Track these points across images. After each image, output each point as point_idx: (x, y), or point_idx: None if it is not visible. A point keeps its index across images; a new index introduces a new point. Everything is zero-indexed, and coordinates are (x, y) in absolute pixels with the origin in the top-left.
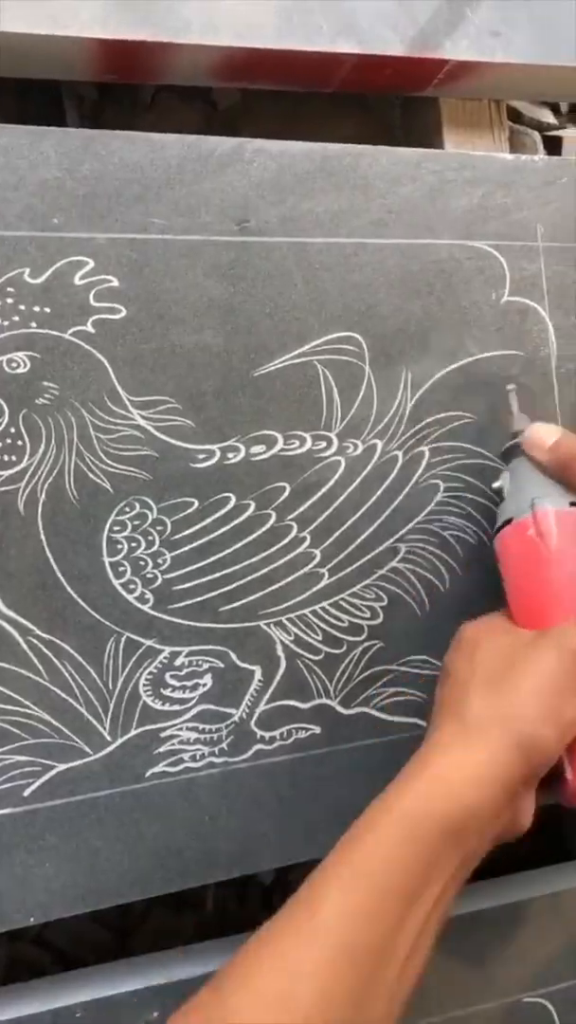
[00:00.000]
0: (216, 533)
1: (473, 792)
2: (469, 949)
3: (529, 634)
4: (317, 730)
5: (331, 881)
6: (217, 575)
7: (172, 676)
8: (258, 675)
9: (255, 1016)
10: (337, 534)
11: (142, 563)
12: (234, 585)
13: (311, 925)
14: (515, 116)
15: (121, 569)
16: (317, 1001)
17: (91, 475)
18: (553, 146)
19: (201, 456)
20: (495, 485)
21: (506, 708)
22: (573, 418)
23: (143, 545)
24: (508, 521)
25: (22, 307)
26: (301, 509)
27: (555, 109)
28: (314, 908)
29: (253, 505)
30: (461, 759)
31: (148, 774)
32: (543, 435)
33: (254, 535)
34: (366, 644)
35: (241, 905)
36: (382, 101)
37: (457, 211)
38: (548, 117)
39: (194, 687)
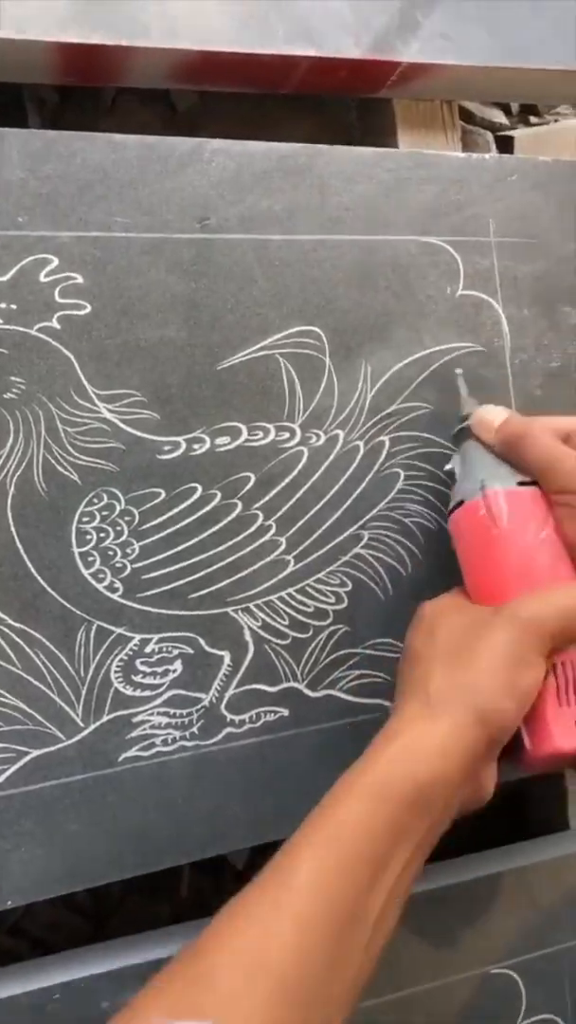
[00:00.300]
0: (183, 523)
1: (438, 762)
2: (438, 923)
3: (485, 610)
4: (285, 713)
5: (305, 847)
6: (185, 563)
7: (142, 663)
8: (227, 660)
9: (233, 975)
10: (302, 522)
11: (111, 553)
12: (202, 573)
13: (286, 888)
14: (468, 117)
15: (90, 559)
16: (292, 960)
17: (59, 467)
18: (505, 146)
19: (167, 448)
20: (447, 468)
21: (466, 682)
22: (527, 407)
23: (112, 535)
24: (460, 503)
25: None
26: (266, 498)
27: (506, 110)
28: (289, 872)
29: (219, 495)
30: (426, 731)
31: (121, 758)
32: (490, 416)
33: (220, 524)
34: (332, 628)
35: (215, 890)
36: (338, 102)
37: (412, 208)
38: (500, 117)
39: (164, 673)
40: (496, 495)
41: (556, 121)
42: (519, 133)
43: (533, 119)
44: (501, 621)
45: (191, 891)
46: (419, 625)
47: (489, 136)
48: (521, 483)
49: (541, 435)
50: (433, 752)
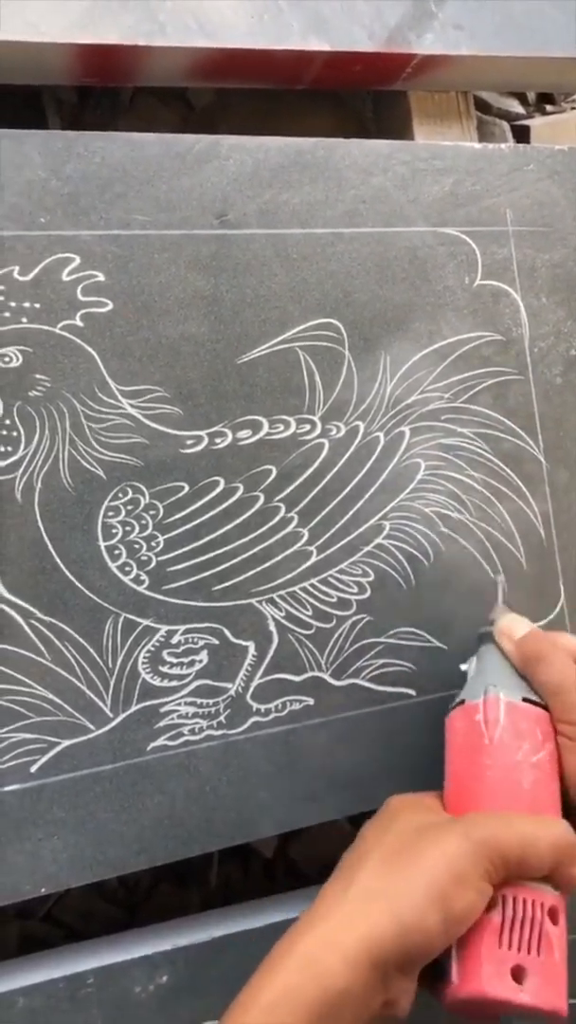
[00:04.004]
0: (207, 516)
1: (344, 972)
2: None
3: (446, 816)
4: (310, 701)
5: None
6: (209, 556)
7: (169, 653)
8: (252, 650)
9: None
10: (323, 513)
11: (137, 546)
12: (226, 565)
13: None
14: (484, 107)
15: (117, 552)
16: None
17: (84, 463)
18: (521, 135)
19: (190, 442)
20: (462, 667)
21: (395, 885)
22: (547, 395)
23: (137, 529)
24: (461, 702)
25: (12, 304)
26: (288, 490)
27: (522, 99)
28: None
29: (241, 488)
30: (334, 934)
31: (149, 748)
32: (513, 627)
33: (243, 517)
34: (355, 618)
35: (244, 878)
36: (354, 96)
37: (428, 199)
38: (516, 107)
39: (191, 663)
40: (496, 702)
41: (573, 109)
42: (535, 122)
43: (549, 108)
44: (453, 831)
45: (220, 880)
46: (379, 815)
47: (505, 126)
48: (528, 700)
49: (557, 658)
50: (338, 962)
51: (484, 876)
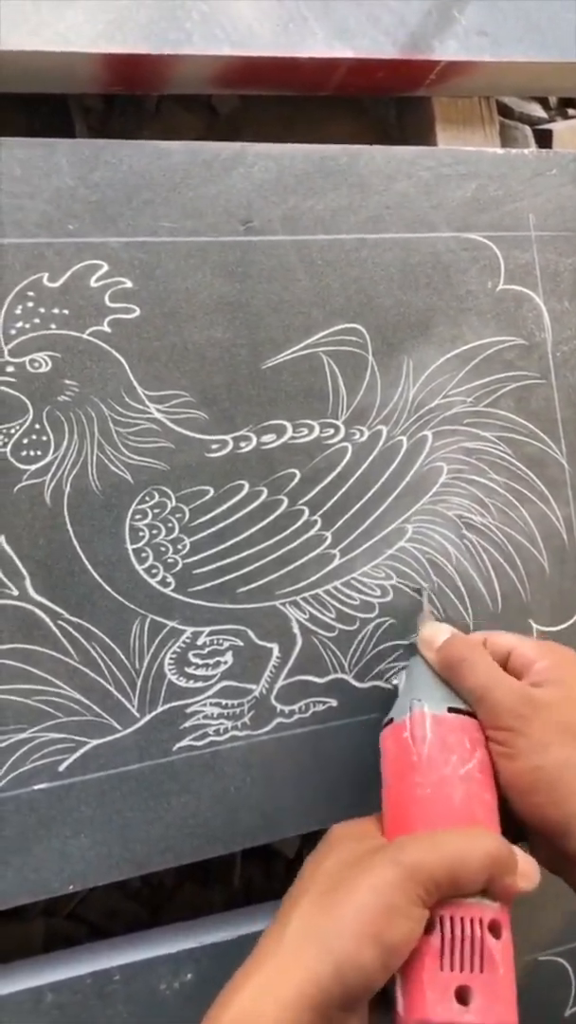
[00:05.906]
0: (232, 519)
1: (285, 1019)
2: None
3: (379, 843)
4: (334, 703)
5: None
6: (234, 558)
7: (195, 655)
8: (276, 652)
9: None
10: (347, 517)
11: (163, 549)
12: (251, 567)
13: None
14: (507, 112)
15: (143, 555)
16: None
17: (112, 467)
18: (543, 139)
19: (215, 446)
20: (394, 682)
21: (328, 924)
22: (570, 399)
23: (163, 532)
24: (391, 720)
25: (42, 310)
26: (311, 494)
27: (544, 103)
28: None
29: (265, 491)
30: (271, 983)
31: (175, 748)
32: (434, 635)
33: (267, 520)
34: (377, 621)
35: (266, 879)
36: (377, 102)
37: (452, 205)
38: (538, 111)
39: (216, 665)
40: (422, 718)
41: None
42: (558, 126)
43: (571, 112)
44: (380, 861)
45: (243, 880)
46: (319, 847)
47: (527, 130)
48: (453, 709)
49: (479, 661)
50: (278, 1010)
51: (416, 902)
